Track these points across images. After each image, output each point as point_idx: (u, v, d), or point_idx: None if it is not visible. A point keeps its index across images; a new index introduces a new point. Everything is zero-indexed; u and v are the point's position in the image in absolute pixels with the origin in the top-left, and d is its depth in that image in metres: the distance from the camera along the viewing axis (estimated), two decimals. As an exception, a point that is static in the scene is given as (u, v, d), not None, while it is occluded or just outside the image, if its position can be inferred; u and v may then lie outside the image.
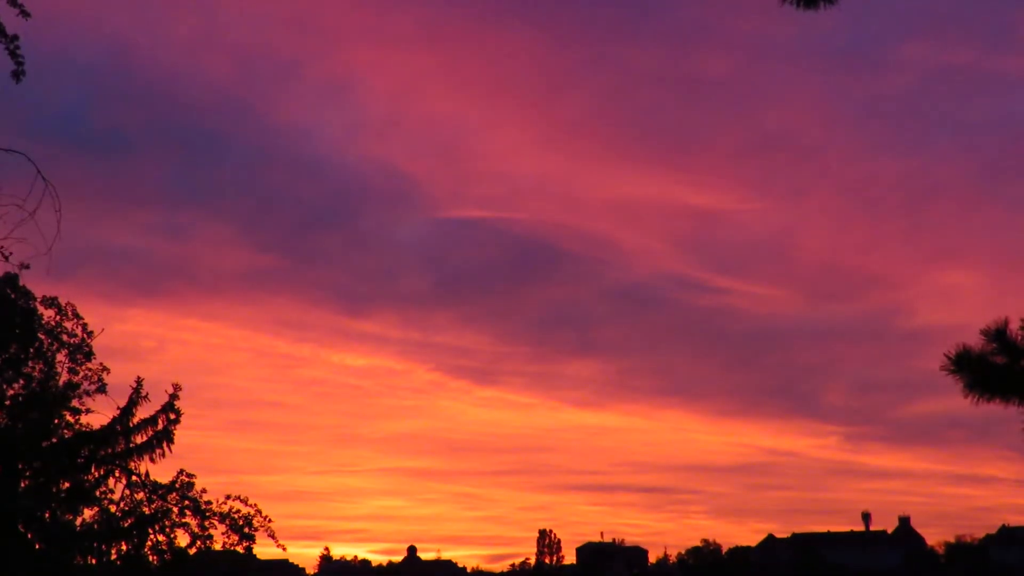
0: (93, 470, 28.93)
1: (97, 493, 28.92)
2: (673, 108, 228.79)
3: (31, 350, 28.60)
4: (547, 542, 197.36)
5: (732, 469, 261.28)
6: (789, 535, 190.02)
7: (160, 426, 29.46)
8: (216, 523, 29.62)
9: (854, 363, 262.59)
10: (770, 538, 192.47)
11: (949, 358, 13.29)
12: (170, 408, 29.58)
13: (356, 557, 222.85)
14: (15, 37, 16.88)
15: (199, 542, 29.45)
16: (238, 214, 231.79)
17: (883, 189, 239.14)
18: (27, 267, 22.54)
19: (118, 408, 29.31)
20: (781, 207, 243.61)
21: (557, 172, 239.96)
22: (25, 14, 16.82)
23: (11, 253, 21.53)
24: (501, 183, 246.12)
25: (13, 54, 16.80)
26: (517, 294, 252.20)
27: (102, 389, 29.35)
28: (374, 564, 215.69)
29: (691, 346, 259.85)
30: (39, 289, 28.73)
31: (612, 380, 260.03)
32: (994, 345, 13.17)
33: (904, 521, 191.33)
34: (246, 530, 29.68)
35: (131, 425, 29.22)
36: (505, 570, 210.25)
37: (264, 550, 32.51)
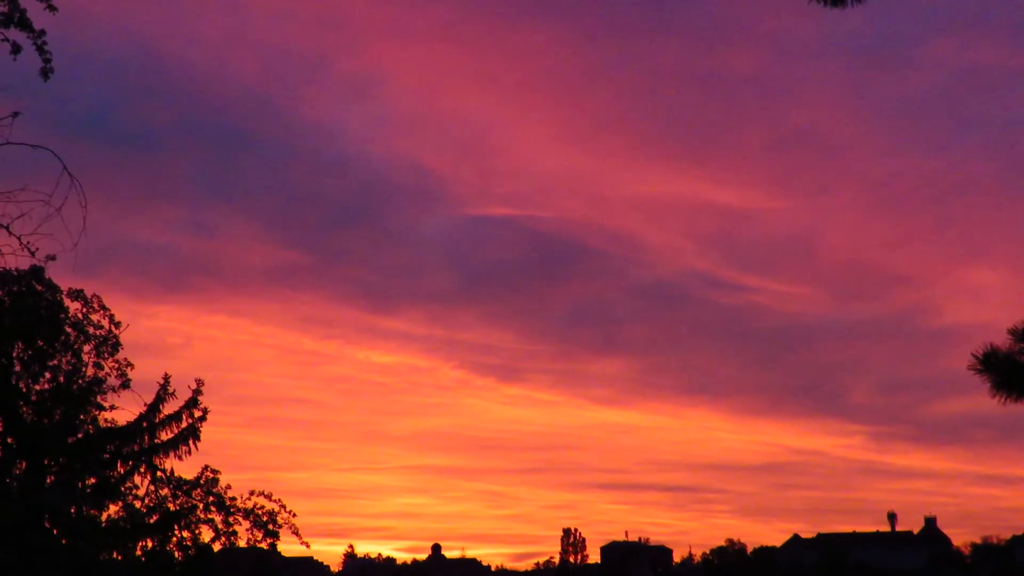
0: (119, 466, 29.02)
1: (122, 489, 29.01)
2: (699, 105, 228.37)
3: (57, 344, 28.68)
4: (571, 541, 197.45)
5: (757, 468, 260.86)
6: (814, 535, 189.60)
7: (185, 422, 29.51)
8: (240, 519, 29.69)
9: (880, 362, 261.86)
10: (795, 538, 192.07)
11: (976, 357, 13.23)
12: (195, 404, 29.62)
13: (380, 555, 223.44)
14: (42, 32, 16.98)
15: (223, 538, 29.52)
16: (264, 211, 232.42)
17: (909, 187, 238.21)
18: (53, 258, 22.62)
19: (144, 404, 29.40)
20: (806, 205, 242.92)
21: (582, 169, 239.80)
22: (52, 8, 16.92)
23: (37, 248, 21.67)
24: (526, 180, 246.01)
25: (41, 50, 16.90)
26: (542, 291, 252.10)
27: (127, 385, 29.44)
28: (399, 562, 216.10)
29: (716, 344, 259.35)
30: (65, 284, 28.83)
31: (637, 378, 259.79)
32: (1022, 344, 13.10)
33: (930, 522, 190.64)
34: (270, 527, 29.74)
35: (157, 421, 29.29)
36: (529, 568, 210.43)
37: (288, 547, 32.62)
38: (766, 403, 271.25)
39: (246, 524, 29.80)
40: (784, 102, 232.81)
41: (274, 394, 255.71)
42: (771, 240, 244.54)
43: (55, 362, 28.70)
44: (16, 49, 17.09)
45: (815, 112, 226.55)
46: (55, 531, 27.67)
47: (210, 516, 29.60)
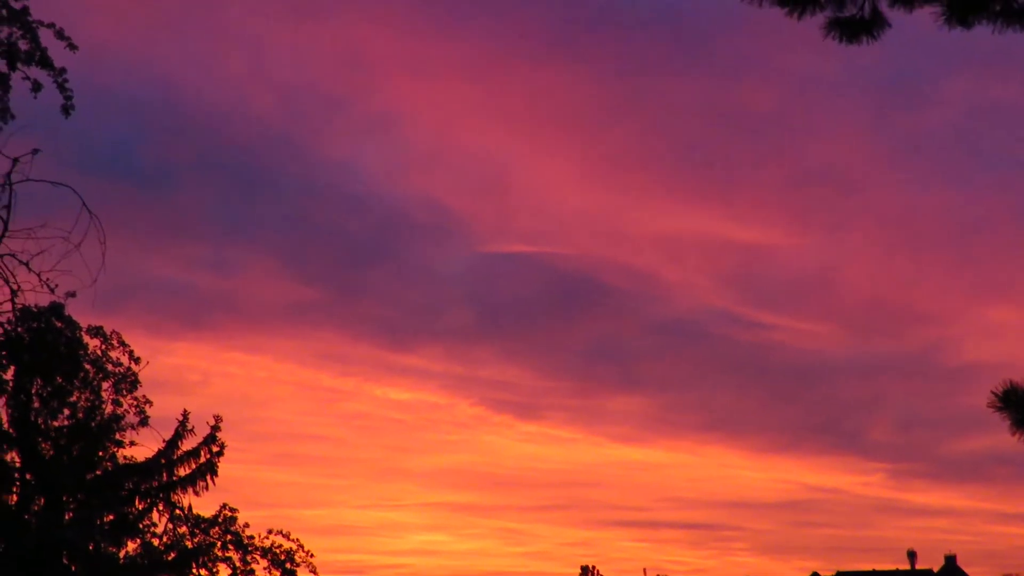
0: (137, 503, 28.99)
1: (140, 526, 28.98)
2: (717, 142, 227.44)
3: (76, 380, 28.68)
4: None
5: (776, 506, 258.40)
6: (833, 573, 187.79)
7: (203, 458, 29.50)
8: (258, 558, 29.65)
9: (899, 399, 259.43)
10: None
11: (996, 395, 13.14)
12: (213, 440, 29.61)
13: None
14: (63, 70, 17.08)
15: (241, 576, 29.46)
16: (283, 248, 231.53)
17: (928, 224, 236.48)
18: (73, 295, 22.66)
19: (163, 440, 29.40)
20: (825, 242, 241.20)
21: (601, 206, 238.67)
22: (72, 47, 17.01)
23: (57, 285, 21.74)
24: (545, 217, 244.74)
25: (61, 87, 17.00)
26: (560, 329, 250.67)
27: (145, 422, 29.42)
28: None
29: (735, 381, 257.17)
30: (85, 321, 28.87)
31: (655, 415, 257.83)
32: (1042, 381, 13.00)
33: (950, 560, 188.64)
34: (288, 565, 29.69)
35: (175, 457, 29.27)
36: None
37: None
38: (785, 440, 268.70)
39: (264, 563, 29.76)
40: (803, 139, 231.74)
41: (292, 430, 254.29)
42: (790, 277, 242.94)
43: (74, 398, 28.69)
44: (37, 87, 17.18)
45: (833, 149, 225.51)
46: (73, 567, 27.63)
47: (228, 554, 29.57)
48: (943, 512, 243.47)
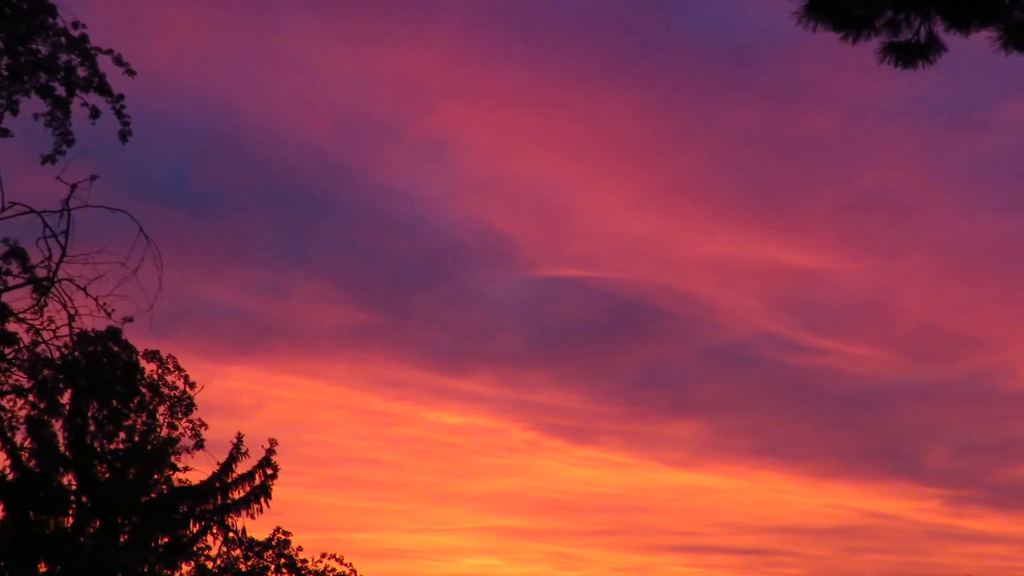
0: (191, 525, 29.16)
1: (195, 549, 29.14)
2: (772, 167, 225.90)
3: (132, 404, 28.90)
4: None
5: (830, 532, 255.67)
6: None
7: (257, 482, 29.64)
8: (312, 581, 29.71)
9: (955, 424, 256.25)
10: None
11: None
12: (267, 463, 29.77)
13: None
14: (120, 96, 17.27)
15: (294, 600, 29.55)
16: (336, 272, 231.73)
17: (984, 249, 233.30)
18: (130, 320, 22.83)
19: (217, 464, 29.57)
20: (880, 267, 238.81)
21: (654, 231, 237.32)
22: (130, 73, 17.20)
23: (113, 309, 21.94)
24: (597, 243, 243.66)
25: (119, 113, 17.17)
26: (613, 353, 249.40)
27: (200, 445, 29.60)
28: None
29: (789, 407, 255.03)
30: (141, 345, 29.08)
31: (709, 440, 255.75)
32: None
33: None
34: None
35: (229, 481, 29.43)
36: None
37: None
38: (839, 466, 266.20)
39: (317, 585, 29.82)
40: (857, 164, 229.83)
41: (345, 454, 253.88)
42: (844, 302, 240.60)
43: (130, 422, 28.92)
44: (95, 113, 17.35)
45: (887, 174, 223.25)
46: (128, 590, 27.79)
47: (281, 577, 29.66)
48: (1000, 539, 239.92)
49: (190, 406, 29.63)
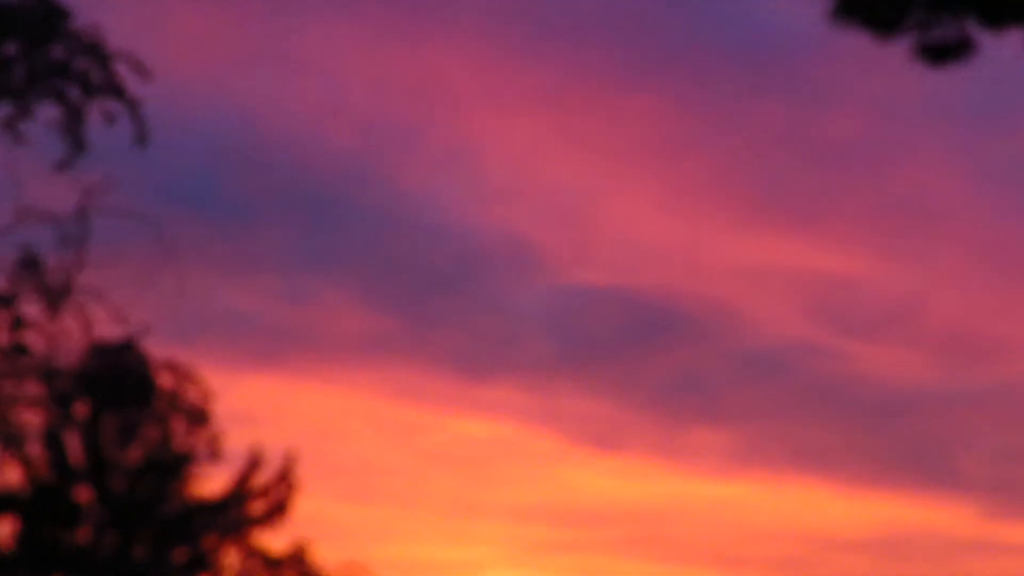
0: (209, 539, 29.10)
1: (213, 562, 29.07)
2: (801, 170, 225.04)
3: (149, 414, 28.88)
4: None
5: (863, 543, 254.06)
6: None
7: (277, 494, 29.55)
8: (332, 595, 29.59)
9: (992, 432, 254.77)
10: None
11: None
12: (287, 475, 29.67)
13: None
14: (138, 101, 17.26)
15: (315, 614, 29.43)
16: (359, 280, 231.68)
17: (1018, 251, 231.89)
18: (148, 328, 22.83)
19: (236, 475, 29.49)
20: (912, 270, 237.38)
21: (682, 236, 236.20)
22: (147, 77, 17.19)
23: (131, 318, 21.94)
24: (624, 248, 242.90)
25: (137, 118, 17.17)
26: (641, 361, 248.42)
27: (218, 456, 29.55)
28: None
29: (820, 414, 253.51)
30: (159, 354, 29.04)
31: (739, 449, 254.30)
32: None
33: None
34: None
35: (248, 493, 29.36)
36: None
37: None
38: (872, 474, 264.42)
39: (339, 600, 29.71)
40: (889, 166, 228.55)
41: (367, 465, 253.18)
42: (876, 307, 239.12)
43: (147, 433, 28.90)
44: (112, 118, 17.35)
45: (921, 176, 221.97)
46: (145, 605, 27.74)
47: (301, 591, 29.55)
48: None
49: (208, 416, 29.58)
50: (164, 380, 29.28)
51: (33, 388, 24.45)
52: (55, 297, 21.42)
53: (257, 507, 29.38)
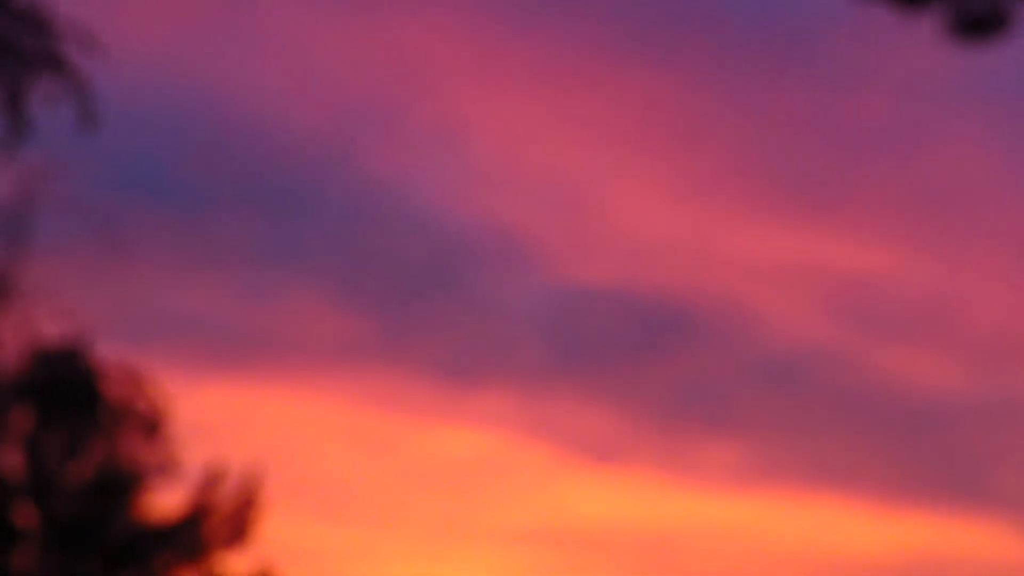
0: (164, 565, 29.14)
1: (168, 591, 29.12)
2: (824, 156, 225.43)
3: (96, 426, 28.89)
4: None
5: (889, 567, 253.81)
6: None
7: (240, 514, 29.58)
8: (301, 626, 29.64)
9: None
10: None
11: None
12: (251, 493, 29.70)
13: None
14: (84, 79, 17.19)
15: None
16: (330, 277, 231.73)
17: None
18: (95, 330, 22.83)
19: (193, 493, 29.50)
20: (947, 267, 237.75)
21: (691, 229, 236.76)
22: (94, 51, 17.14)
23: (76, 319, 21.94)
24: (629, 242, 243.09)
25: (83, 98, 17.10)
26: (647, 366, 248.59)
27: (174, 474, 29.58)
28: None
29: (843, 426, 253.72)
30: (108, 358, 29.01)
31: (754, 464, 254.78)
32: None
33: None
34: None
35: (207, 513, 29.40)
36: None
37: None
38: (900, 492, 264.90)
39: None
40: (920, 152, 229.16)
41: (340, 481, 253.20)
42: (907, 308, 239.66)
43: (94, 446, 28.91)
44: (55, 97, 17.30)
45: (956, 162, 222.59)
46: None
47: (267, 622, 29.60)
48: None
49: (163, 428, 29.59)
50: (114, 388, 29.29)
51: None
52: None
53: (217, 529, 29.42)
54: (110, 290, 20.16)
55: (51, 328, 22.19)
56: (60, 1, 17.06)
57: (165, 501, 29.58)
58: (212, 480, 29.70)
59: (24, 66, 16.96)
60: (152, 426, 29.64)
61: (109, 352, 28.47)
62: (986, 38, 12.36)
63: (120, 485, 28.87)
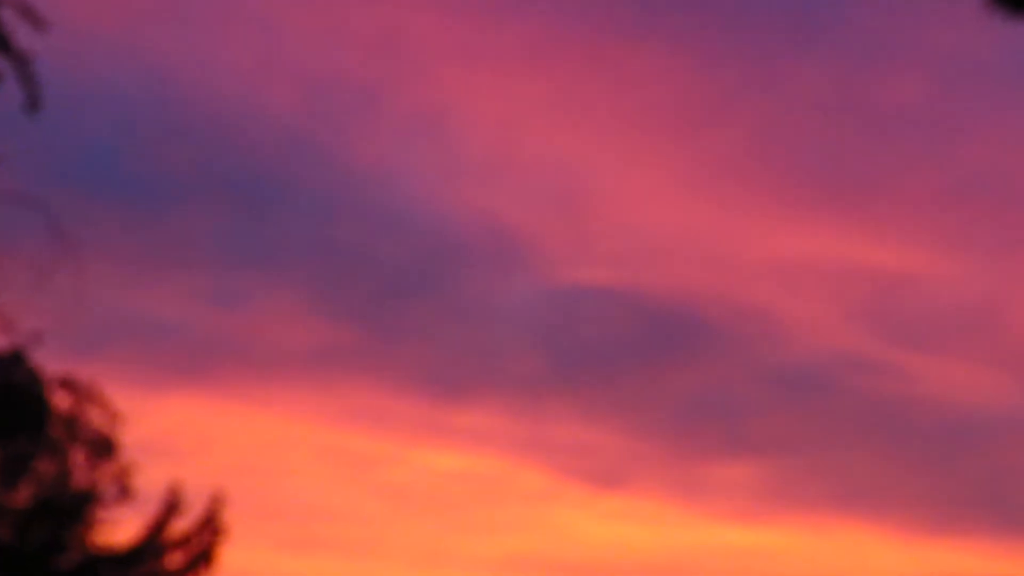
0: (118, 598, 29.13)
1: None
2: (849, 144, 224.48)
3: (42, 445, 28.84)
4: None
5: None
6: None
7: (200, 542, 29.57)
8: (269, 665, 29.66)
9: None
10: None
11: None
12: (213, 519, 29.69)
13: None
14: (28, 58, 17.12)
15: None
16: (303, 278, 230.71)
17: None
18: (40, 338, 22.78)
19: (149, 519, 29.48)
20: (987, 267, 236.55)
21: (702, 225, 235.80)
22: (41, 28, 17.06)
23: (20, 325, 21.90)
24: (632, 239, 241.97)
25: (27, 79, 17.01)
26: (653, 378, 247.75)
27: (127, 496, 29.54)
28: None
29: (872, 443, 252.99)
30: (55, 368, 28.98)
31: (771, 486, 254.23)
32: None
33: None
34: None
35: (164, 541, 29.37)
36: None
37: None
38: (937, 517, 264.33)
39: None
40: (957, 139, 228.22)
41: (313, 506, 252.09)
42: (942, 312, 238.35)
43: (40, 466, 28.88)
44: (-6, 78, 17.26)
45: (997, 151, 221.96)
46: None
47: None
48: None
49: (115, 447, 29.55)
50: (61, 401, 29.24)
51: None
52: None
53: (176, 558, 29.41)
54: (56, 293, 20.04)
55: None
56: (3, -27, 17.04)
57: (118, 528, 29.57)
58: (170, 505, 29.68)
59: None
60: (103, 444, 29.57)
61: (56, 361, 28.41)
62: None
63: (68, 510, 28.83)
